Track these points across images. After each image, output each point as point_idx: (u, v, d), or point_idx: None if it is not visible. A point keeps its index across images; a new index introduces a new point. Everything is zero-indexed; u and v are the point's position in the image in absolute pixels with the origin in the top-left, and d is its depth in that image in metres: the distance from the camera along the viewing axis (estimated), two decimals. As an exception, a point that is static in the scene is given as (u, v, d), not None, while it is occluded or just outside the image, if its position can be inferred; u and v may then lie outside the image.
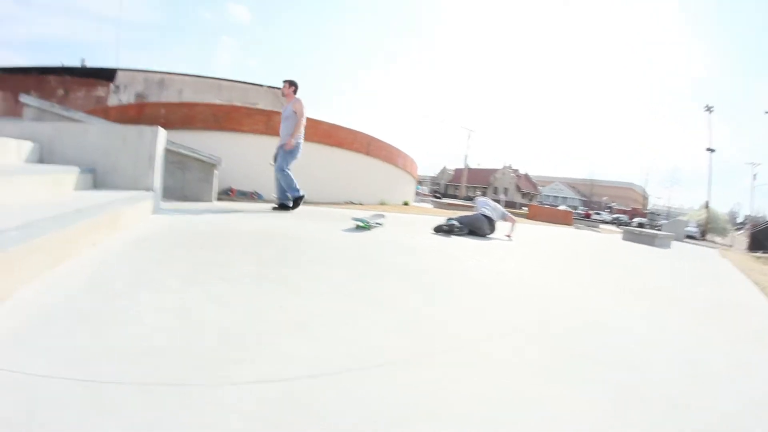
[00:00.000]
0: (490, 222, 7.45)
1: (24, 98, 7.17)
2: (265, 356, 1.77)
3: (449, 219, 7.39)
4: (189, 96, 28.00)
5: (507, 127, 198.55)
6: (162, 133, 5.46)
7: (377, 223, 6.58)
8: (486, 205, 7.70)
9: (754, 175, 60.23)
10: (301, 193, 7.64)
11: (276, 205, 7.74)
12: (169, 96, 28.16)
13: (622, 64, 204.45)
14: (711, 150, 54.73)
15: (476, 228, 7.31)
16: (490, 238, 7.17)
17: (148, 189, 5.09)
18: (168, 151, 6.90)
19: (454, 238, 6.58)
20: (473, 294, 3.38)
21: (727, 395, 1.96)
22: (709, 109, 55.76)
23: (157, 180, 5.40)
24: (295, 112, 7.49)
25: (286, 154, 7.45)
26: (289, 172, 7.47)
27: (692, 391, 1.93)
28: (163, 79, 29.39)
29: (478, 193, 74.58)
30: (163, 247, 3.50)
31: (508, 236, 7.65)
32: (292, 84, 7.72)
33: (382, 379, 1.69)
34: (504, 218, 7.80)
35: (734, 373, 2.26)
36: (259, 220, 6.02)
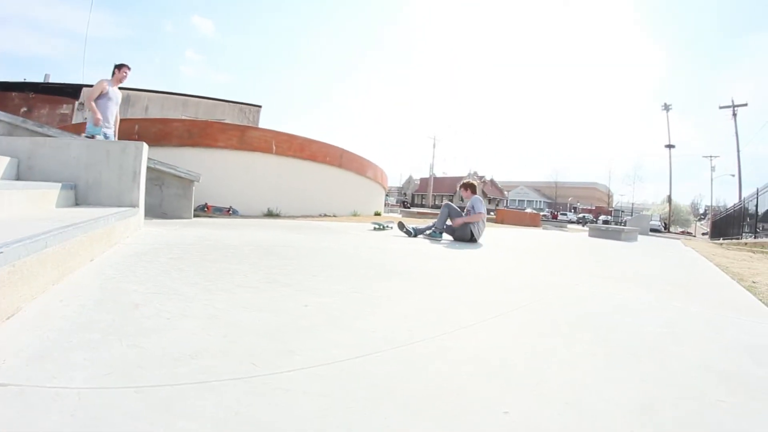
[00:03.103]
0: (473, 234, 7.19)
1: (-5, 113, 6.89)
2: (309, 346, 1.80)
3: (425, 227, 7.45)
4: (155, 113, 27.70)
5: (471, 134, 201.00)
6: (145, 149, 5.32)
7: (389, 226, 8.35)
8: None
9: (713, 167, 62.68)
10: None
11: None
12: (135, 113, 27.77)
13: (582, 66, 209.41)
14: (670, 146, 57.55)
15: (459, 236, 7.22)
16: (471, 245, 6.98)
17: (133, 205, 4.94)
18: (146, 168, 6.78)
19: (440, 244, 6.87)
20: (470, 286, 3.48)
21: (701, 344, 2.30)
22: (666, 107, 58.62)
23: (142, 196, 5.25)
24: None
25: None
26: None
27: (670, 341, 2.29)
28: (128, 95, 28.85)
29: (444, 202, 74.50)
30: (164, 259, 3.37)
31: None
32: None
33: (412, 353, 1.83)
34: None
35: (705, 330, 2.63)
36: (248, 233, 5.93)
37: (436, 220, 7.40)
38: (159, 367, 1.47)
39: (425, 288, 3.23)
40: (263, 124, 31.52)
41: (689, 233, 52.44)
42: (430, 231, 7.23)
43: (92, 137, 6.76)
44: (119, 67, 7.23)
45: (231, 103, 30.79)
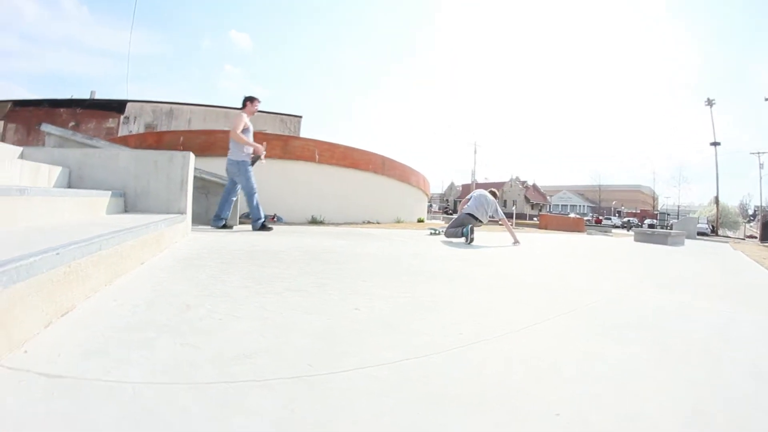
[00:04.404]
0: (476, 220, 7.58)
1: (45, 127, 7.11)
2: (362, 349, 1.77)
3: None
4: (198, 125, 28.62)
5: (512, 140, 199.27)
6: (192, 159, 5.44)
7: (441, 230, 8.93)
8: (479, 201, 7.73)
9: (761, 165, 58.47)
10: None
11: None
12: (179, 125, 28.75)
13: (619, 67, 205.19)
14: (716, 143, 54.75)
15: (463, 224, 7.48)
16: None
17: (181, 212, 5.08)
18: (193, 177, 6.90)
19: (481, 249, 6.79)
20: (514, 290, 3.41)
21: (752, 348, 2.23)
22: (710, 102, 55.77)
23: (189, 204, 5.38)
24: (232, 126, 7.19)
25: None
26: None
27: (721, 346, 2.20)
28: (171, 109, 29.78)
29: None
30: (213, 264, 3.40)
31: (515, 242, 7.62)
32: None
33: (465, 355, 1.80)
34: (496, 216, 7.93)
35: (755, 334, 2.55)
36: (293, 239, 5.97)
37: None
38: (213, 365, 1.45)
39: (470, 292, 3.18)
40: (304, 134, 31.98)
41: (739, 238, 50.39)
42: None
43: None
44: (251, 99, 7.33)
45: (272, 114, 31.26)
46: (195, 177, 7.06)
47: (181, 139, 10.50)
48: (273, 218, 10.20)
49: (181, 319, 1.92)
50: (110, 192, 4.55)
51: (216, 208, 7.26)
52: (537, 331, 2.21)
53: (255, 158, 7.40)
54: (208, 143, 10.55)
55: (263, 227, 7.09)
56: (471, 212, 7.59)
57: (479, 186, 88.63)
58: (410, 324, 2.17)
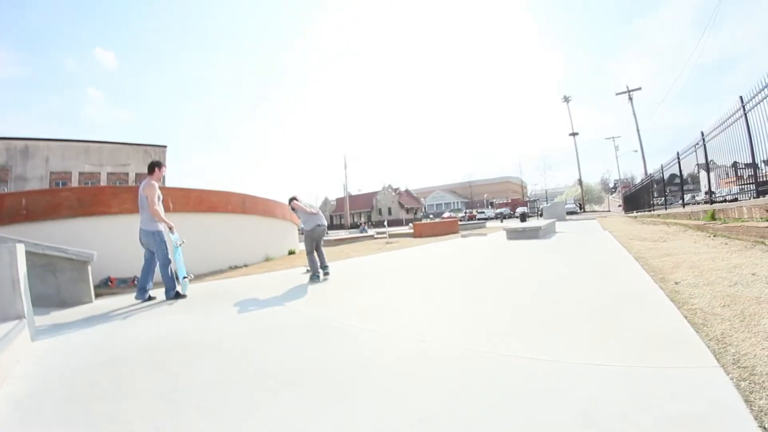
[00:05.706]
0: (323, 227, 8.89)
1: None
2: None
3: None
4: (56, 163, 27.19)
5: (382, 149, 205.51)
6: (21, 250, 4.97)
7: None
8: (315, 210, 8.97)
9: (616, 147, 71.66)
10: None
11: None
12: (35, 165, 27.02)
13: (486, 70, 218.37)
14: (574, 134, 65.33)
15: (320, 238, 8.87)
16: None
17: (19, 317, 4.68)
18: (34, 254, 6.53)
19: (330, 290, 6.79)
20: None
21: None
22: (566, 99, 66.47)
23: (27, 303, 4.92)
24: (146, 197, 7.15)
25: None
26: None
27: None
28: (27, 146, 27.41)
29: (362, 219, 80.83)
30: (52, 413, 3.05)
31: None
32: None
33: None
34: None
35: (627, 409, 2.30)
36: (144, 324, 5.64)
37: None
38: None
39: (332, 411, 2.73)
40: (170, 163, 31.10)
41: (605, 211, 57.28)
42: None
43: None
44: (159, 165, 7.52)
45: (135, 146, 29.83)
46: (38, 254, 6.73)
47: (24, 201, 9.67)
48: (133, 281, 9.64)
49: None
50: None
51: (65, 286, 7.07)
52: None
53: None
54: (54, 204, 9.84)
55: (177, 296, 7.36)
56: (319, 222, 8.77)
57: (352, 198, 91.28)
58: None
